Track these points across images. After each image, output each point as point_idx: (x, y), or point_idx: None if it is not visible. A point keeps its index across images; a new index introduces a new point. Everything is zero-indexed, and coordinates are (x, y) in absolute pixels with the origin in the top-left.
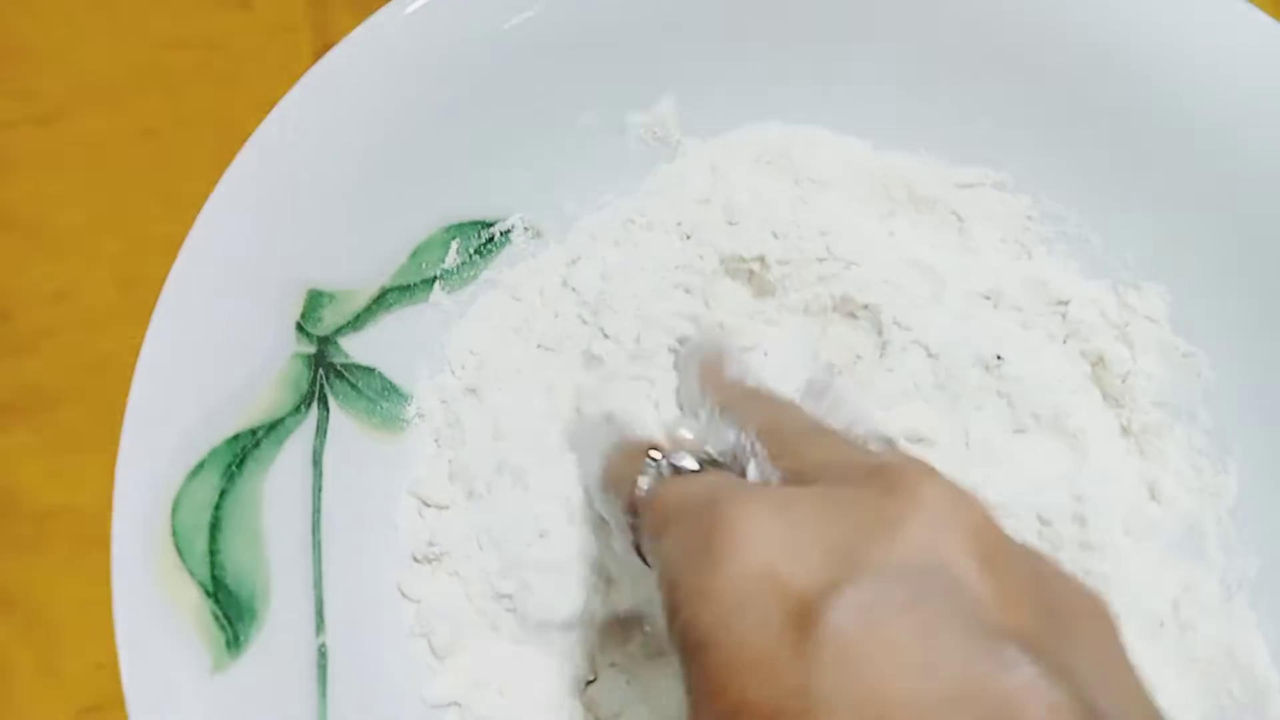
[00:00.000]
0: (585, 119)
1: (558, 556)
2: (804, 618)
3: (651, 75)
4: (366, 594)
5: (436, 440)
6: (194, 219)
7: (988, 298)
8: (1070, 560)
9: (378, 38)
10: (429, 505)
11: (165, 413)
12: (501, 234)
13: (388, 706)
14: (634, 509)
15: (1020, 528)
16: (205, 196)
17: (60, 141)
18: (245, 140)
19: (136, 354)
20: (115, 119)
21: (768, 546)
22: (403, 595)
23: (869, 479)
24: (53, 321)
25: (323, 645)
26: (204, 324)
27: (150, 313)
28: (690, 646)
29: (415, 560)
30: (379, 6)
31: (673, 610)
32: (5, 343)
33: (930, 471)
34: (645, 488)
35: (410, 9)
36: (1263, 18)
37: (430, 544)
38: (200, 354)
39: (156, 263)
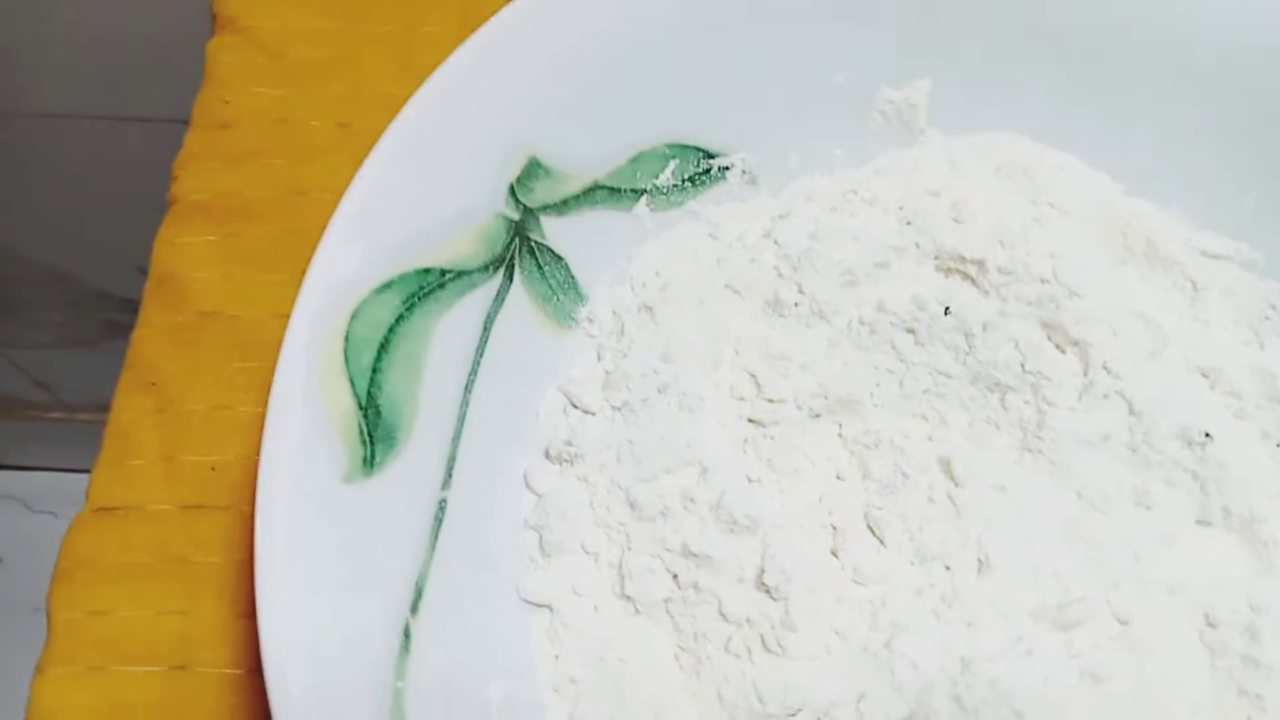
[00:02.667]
0: (837, 79)
1: (698, 492)
2: None
3: (916, 55)
4: (494, 470)
5: (599, 348)
6: (419, 82)
7: (1206, 375)
8: (1228, 671)
9: None
10: (575, 406)
11: (370, 225)
12: (719, 169)
13: (485, 585)
14: None
15: (1182, 624)
16: (435, 62)
17: None
18: (489, 17)
19: (335, 192)
20: None
21: None
22: (526, 485)
23: None
24: (268, 142)
25: (444, 500)
26: (427, 156)
27: (360, 156)
28: None
29: (548, 456)
30: None
31: None
32: (220, 149)
33: None
34: None
35: None
36: None
37: (567, 443)
38: (416, 182)
39: (375, 115)
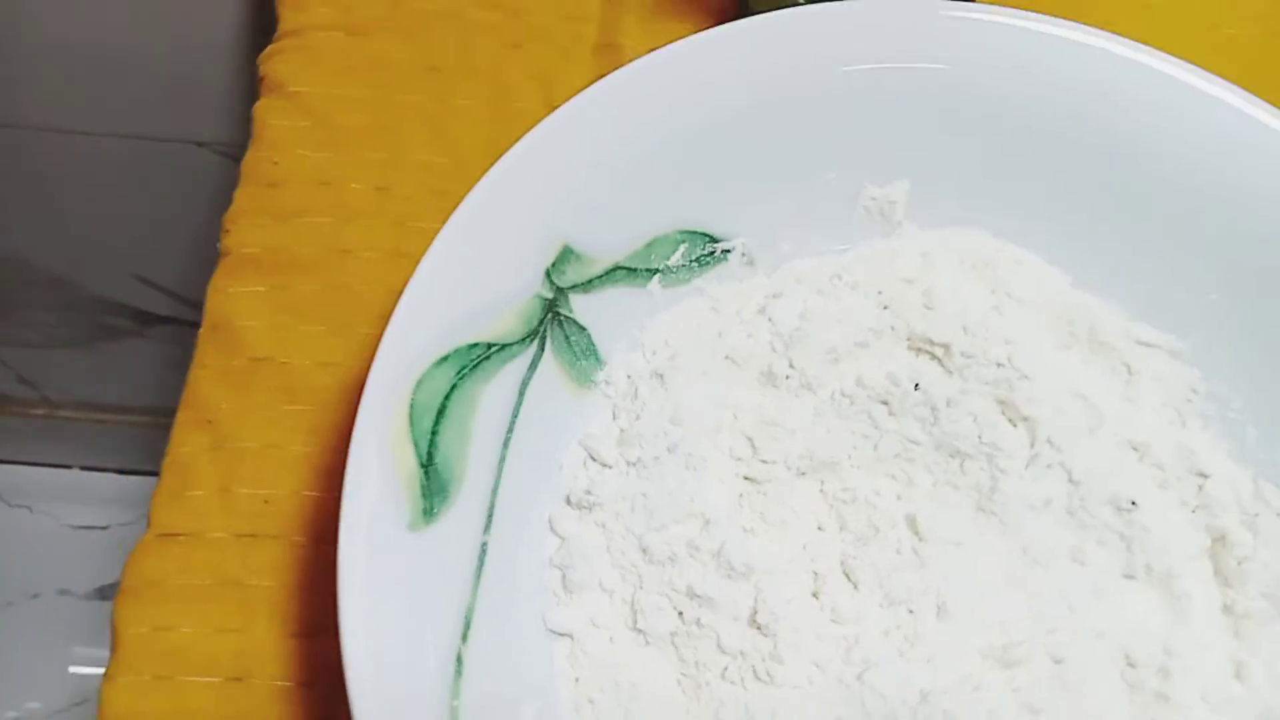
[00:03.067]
0: (827, 176)
1: (702, 541)
2: None
3: (899, 159)
4: (524, 517)
5: (615, 408)
6: (451, 152)
7: (1136, 449)
8: (1143, 706)
9: (679, 55)
10: (594, 460)
11: (431, 307)
12: (723, 251)
13: (519, 616)
14: None
15: (1110, 658)
16: (467, 135)
17: (360, 53)
18: (513, 98)
19: (374, 250)
20: (411, 47)
21: None
22: (551, 529)
23: None
24: (312, 202)
25: (485, 543)
26: (478, 248)
27: (395, 220)
28: None
29: (569, 503)
30: (667, 19)
31: None
32: (269, 207)
33: None
34: None
35: (723, 34)
36: None
37: (587, 492)
38: (468, 270)
39: (410, 180)
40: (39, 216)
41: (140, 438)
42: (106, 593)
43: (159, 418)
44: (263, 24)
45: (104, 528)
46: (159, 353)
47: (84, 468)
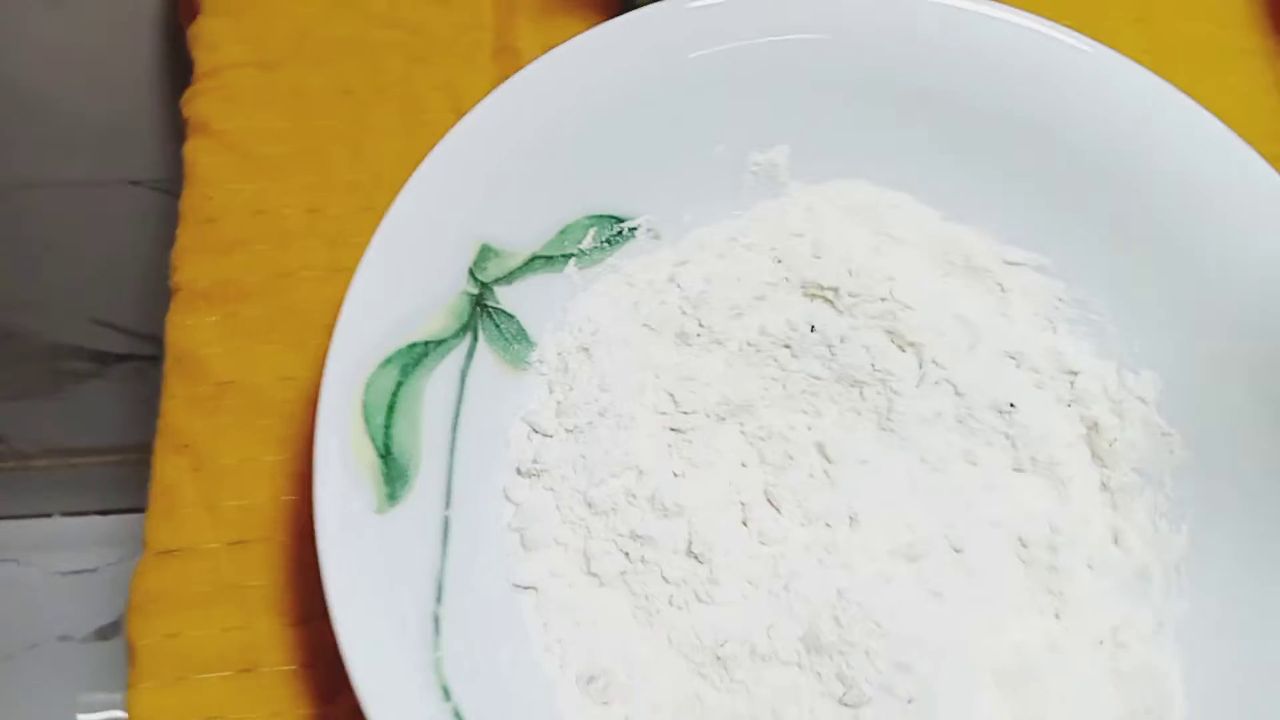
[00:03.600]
0: (718, 149)
1: (638, 489)
2: None
3: (776, 125)
4: (480, 489)
5: (549, 383)
6: (372, 169)
7: (1012, 357)
8: (1036, 579)
9: (569, 55)
10: (537, 431)
11: (369, 317)
12: (629, 230)
13: (484, 578)
14: None
15: (1005, 542)
16: (385, 151)
17: (276, 86)
18: (423, 110)
19: (313, 269)
20: (322, 74)
21: None
22: (506, 498)
23: None
24: (249, 232)
25: (447, 517)
26: (404, 258)
27: (329, 239)
28: None
29: (519, 472)
30: (557, 17)
31: None
32: (210, 242)
33: None
34: None
35: (608, 30)
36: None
37: (534, 461)
38: (399, 279)
39: (338, 200)
40: None
41: (115, 476)
42: (106, 633)
43: (130, 454)
44: (178, 61)
45: (93, 570)
46: (122, 390)
47: (64, 514)
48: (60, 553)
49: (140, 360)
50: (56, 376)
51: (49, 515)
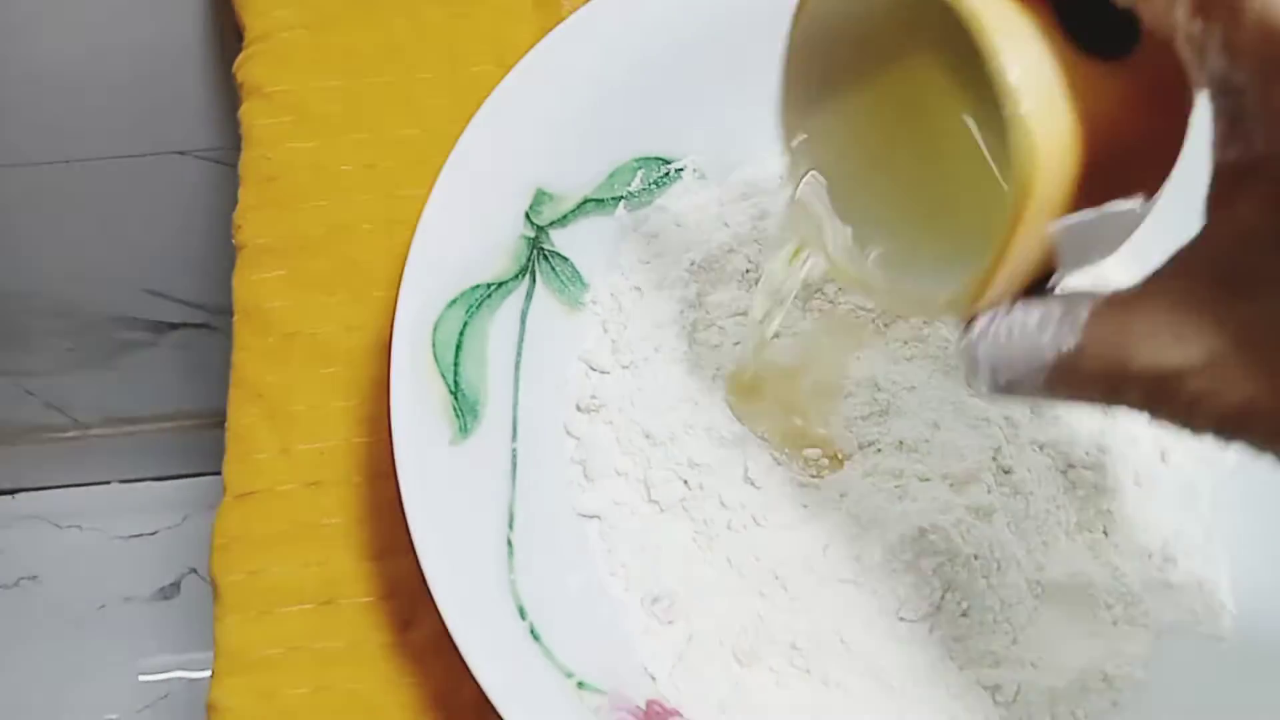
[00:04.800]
0: (760, 90)
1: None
2: None
3: None
4: (544, 425)
5: (604, 322)
6: (423, 123)
7: None
8: (1083, 496)
9: (610, 4)
10: (594, 370)
11: (437, 261)
12: (676, 171)
13: (552, 507)
14: None
15: (1049, 469)
16: (433, 105)
17: (325, 47)
18: (469, 63)
19: (371, 222)
20: (369, 33)
21: None
22: (567, 432)
23: None
24: (309, 188)
25: (515, 449)
26: (467, 204)
27: (385, 192)
28: None
29: (579, 409)
30: None
31: None
32: (272, 199)
33: None
34: None
35: None
36: None
37: (592, 398)
38: (461, 225)
39: (391, 155)
40: (42, 247)
41: (171, 443)
42: (169, 593)
43: (185, 421)
44: (221, 28)
45: (152, 533)
46: (175, 358)
47: (122, 481)
48: (120, 518)
49: (193, 328)
50: (113, 347)
51: (108, 482)
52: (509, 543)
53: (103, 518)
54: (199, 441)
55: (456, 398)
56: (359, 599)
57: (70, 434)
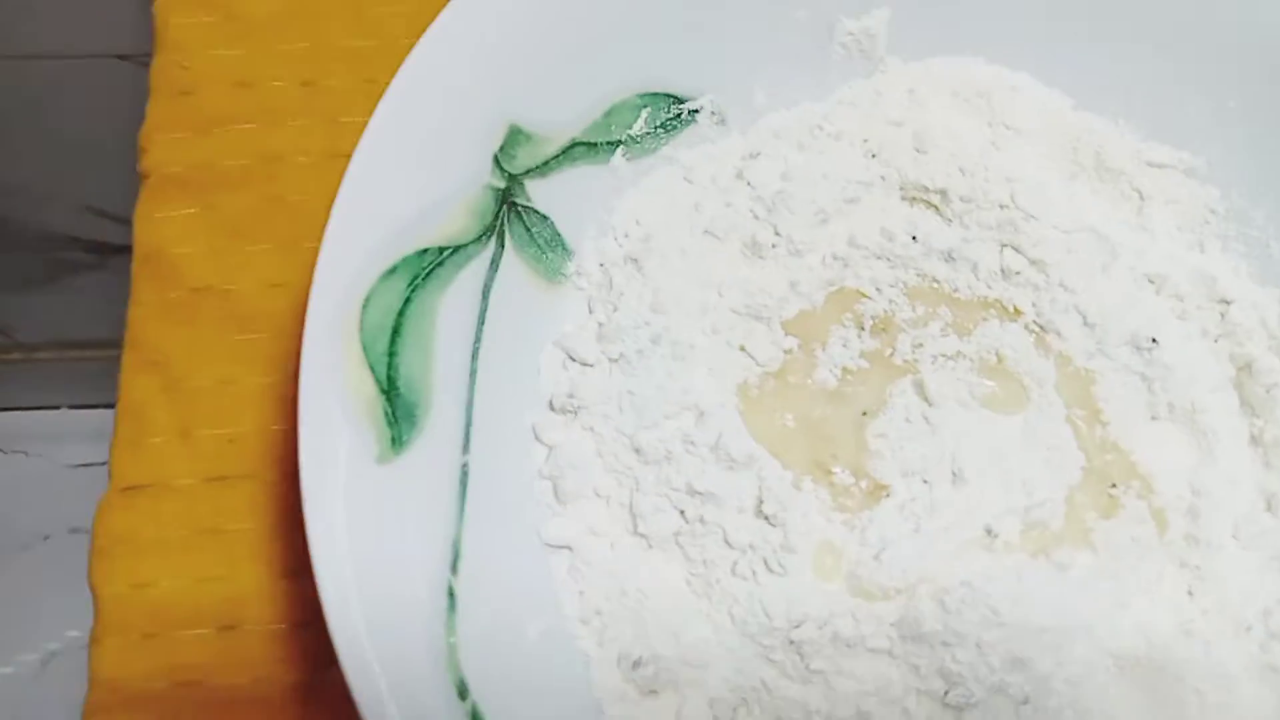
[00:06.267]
0: (798, 14)
1: (697, 435)
2: None
3: None
4: (505, 428)
5: (590, 301)
6: (377, 33)
7: (1152, 281)
8: (1173, 549)
9: None
10: (574, 360)
11: (370, 215)
12: (689, 113)
13: (511, 535)
14: None
15: (1137, 508)
16: (392, 12)
17: None
18: None
19: (308, 154)
20: None
21: None
22: (536, 438)
23: None
24: (233, 107)
25: (465, 464)
26: (414, 140)
27: (327, 117)
28: None
29: (552, 408)
30: None
31: None
32: (185, 118)
33: None
34: None
35: None
36: None
37: (570, 396)
38: (406, 167)
39: (337, 71)
40: None
41: None
42: None
43: None
44: None
45: (102, 464)
46: (123, 284)
47: (71, 406)
48: (69, 445)
49: None
50: (55, 267)
51: (56, 408)
52: (450, 593)
53: (51, 444)
54: None
55: (390, 399)
56: (268, 625)
57: (14, 355)
